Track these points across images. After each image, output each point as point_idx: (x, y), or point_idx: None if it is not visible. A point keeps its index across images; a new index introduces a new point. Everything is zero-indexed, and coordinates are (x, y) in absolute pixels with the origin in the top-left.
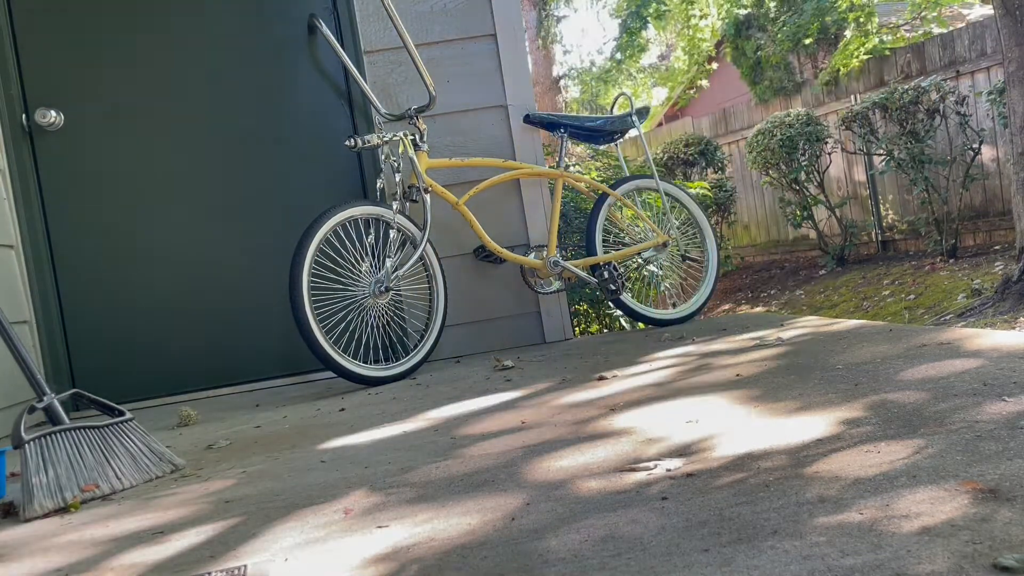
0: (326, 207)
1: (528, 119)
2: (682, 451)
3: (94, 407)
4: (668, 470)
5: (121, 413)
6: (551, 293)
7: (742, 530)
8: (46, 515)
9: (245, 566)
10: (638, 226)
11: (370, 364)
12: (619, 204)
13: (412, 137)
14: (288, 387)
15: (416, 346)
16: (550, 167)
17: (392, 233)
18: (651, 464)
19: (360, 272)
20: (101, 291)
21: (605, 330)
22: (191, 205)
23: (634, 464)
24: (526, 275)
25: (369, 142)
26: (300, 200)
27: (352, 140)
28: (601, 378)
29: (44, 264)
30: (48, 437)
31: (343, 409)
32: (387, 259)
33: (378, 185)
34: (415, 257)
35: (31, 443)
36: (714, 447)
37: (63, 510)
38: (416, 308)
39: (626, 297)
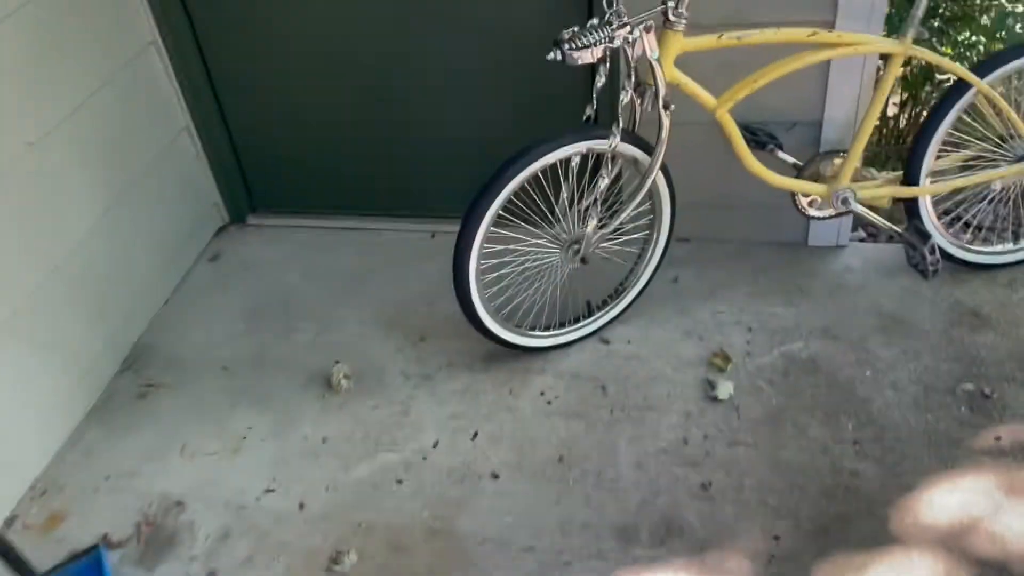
0: (528, 143)
1: None
2: None
3: None
4: None
5: None
6: (823, 219)
7: None
8: None
9: None
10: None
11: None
12: (987, 99)
13: (665, 3)
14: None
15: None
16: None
17: (602, 181)
18: None
19: (557, 216)
20: (260, 92)
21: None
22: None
23: None
24: (795, 197)
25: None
26: (511, 27)
27: (554, 53)
28: None
29: (192, 61)
30: None
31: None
32: (591, 210)
33: (598, 84)
34: (638, 199)
35: None
36: None
37: None
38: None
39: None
